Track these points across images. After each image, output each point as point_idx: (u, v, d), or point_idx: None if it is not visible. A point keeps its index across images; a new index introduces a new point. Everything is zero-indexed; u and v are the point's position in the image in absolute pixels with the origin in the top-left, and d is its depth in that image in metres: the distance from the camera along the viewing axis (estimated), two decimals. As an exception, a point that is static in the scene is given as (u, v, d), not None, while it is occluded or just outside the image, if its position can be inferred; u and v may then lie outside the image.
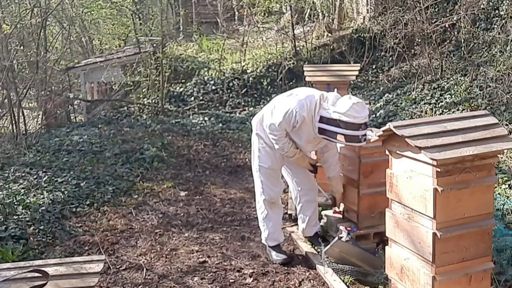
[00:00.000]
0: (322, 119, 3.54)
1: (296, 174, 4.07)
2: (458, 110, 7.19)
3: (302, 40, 11.64)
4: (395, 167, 2.90)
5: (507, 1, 8.17)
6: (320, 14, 12.52)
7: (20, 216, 4.50)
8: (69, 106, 11.43)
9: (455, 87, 7.93)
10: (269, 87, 10.99)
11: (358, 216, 3.78)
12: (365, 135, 3.46)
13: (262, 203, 3.94)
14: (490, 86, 7.26)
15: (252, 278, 3.67)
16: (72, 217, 4.80)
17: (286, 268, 3.82)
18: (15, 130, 7.75)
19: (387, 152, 2.96)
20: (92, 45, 14.80)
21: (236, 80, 11.27)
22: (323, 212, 4.21)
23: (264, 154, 3.90)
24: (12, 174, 5.73)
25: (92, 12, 11.94)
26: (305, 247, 4.09)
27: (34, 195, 5.03)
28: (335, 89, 3.83)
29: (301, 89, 3.83)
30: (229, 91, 11.09)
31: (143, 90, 11.30)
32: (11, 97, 7.86)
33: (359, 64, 7.02)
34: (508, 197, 4.60)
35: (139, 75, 11.38)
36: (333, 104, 3.51)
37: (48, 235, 4.35)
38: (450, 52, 8.97)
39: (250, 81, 11.16)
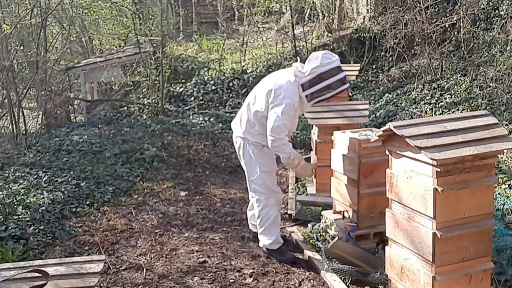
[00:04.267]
0: (304, 86, 3.62)
1: None
2: (458, 110, 7.19)
3: (302, 40, 11.64)
4: (395, 167, 2.90)
5: (507, 1, 8.17)
6: (320, 14, 12.52)
7: (20, 216, 4.50)
8: (69, 106, 11.44)
9: (455, 87, 7.93)
10: (269, 87, 10.97)
11: (358, 216, 3.78)
12: (345, 77, 3.62)
13: (271, 207, 3.89)
14: (490, 86, 7.26)
15: (252, 278, 3.67)
16: (72, 217, 4.80)
17: (286, 268, 3.82)
18: (15, 130, 7.75)
19: (387, 152, 2.96)
20: (92, 45, 14.81)
21: (236, 80, 11.27)
22: (323, 212, 4.21)
23: (264, 157, 3.88)
24: (12, 174, 5.72)
25: (92, 12, 11.93)
26: (305, 247, 4.09)
27: (34, 195, 5.02)
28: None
29: (275, 78, 3.76)
30: (229, 91, 11.09)
31: (143, 90, 11.31)
32: (11, 97, 7.86)
33: (359, 64, 7.03)
34: (508, 197, 4.60)
35: (139, 75, 11.39)
36: (303, 68, 3.61)
37: (48, 235, 4.35)
38: (450, 52, 8.97)
39: (250, 81, 11.15)
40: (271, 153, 3.88)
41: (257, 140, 3.84)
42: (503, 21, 8.14)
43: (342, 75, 3.60)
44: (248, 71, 11.41)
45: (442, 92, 8.00)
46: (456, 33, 9.04)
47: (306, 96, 3.64)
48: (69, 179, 5.56)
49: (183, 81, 11.61)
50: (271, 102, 3.63)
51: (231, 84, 11.21)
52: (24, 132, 8.22)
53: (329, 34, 11.81)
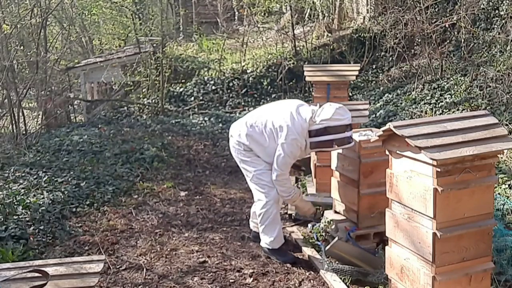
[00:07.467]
0: (311, 133, 3.68)
1: None
2: (458, 110, 7.18)
3: (302, 40, 11.65)
4: (395, 167, 2.90)
5: (507, 1, 8.17)
6: (320, 14, 12.51)
7: (20, 216, 4.50)
8: (69, 106, 11.45)
9: (455, 87, 7.93)
10: (269, 87, 11.00)
11: (358, 216, 3.78)
12: (351, 136, 3.63)
13: (269, 205, 3.89)
14: (490, 86, 7.26)
15: (252, 278, 3.67)
16: (72, 217, 4.80)
17: (286, 268, 3.82)
18: (15, 130, 7.75)
19: (387, 152, 2.96)
20: (92, 45, 14.80)
21: (236, 80, 11.27)
22: (326, 212, 4.20)
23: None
24: (12, 174, 5.72)
25: (92, 13, 11.92)
26: (305, 247, 4.09)
27: (34, 195, 5.03)
28: (318, 104, 3.86)
29: (295, 113, 3.77)
30: (229, 91, 11.09)
31: (143, 90, 11.31)
32: (11, 97, 7.86)
33: (359, 64, 7.02)
34: (508, 197, 4.60)
35: (139, 75, 11.39)
36: (317, 115, 3.65)
37: (48, 235, 4.35)
38: (450, 52, 8.97)
39: (250, 81, 11.16)
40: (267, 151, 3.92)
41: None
42: (503, 21, 8.13)
43: (348, 134, 3.60)
44: (248, 71, 11.40)
45: (442, 92, 8.00)
46: (456, 33, 9.03)
47: (310, 143, 3.71)
48: (69, 179, 5.56)
49: (183, 81, 11.60)
50: (282, 138, 3.72)
51: (231, 84, 11.21)
52: (24, 132, 8.22)
53: (329, 34, 11.81)
